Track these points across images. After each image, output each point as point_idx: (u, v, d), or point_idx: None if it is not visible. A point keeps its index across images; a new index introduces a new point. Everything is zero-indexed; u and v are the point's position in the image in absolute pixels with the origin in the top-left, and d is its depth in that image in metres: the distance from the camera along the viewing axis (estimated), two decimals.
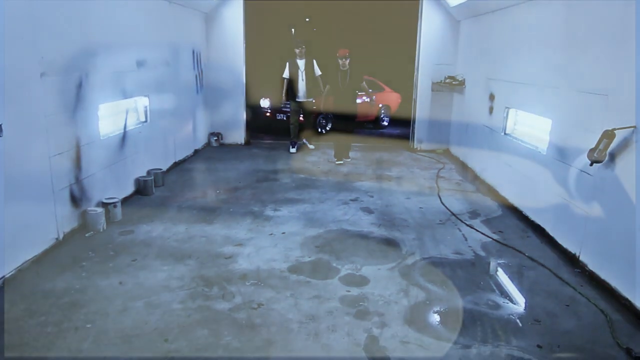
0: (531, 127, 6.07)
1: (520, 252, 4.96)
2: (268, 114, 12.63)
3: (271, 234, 5.27)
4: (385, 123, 14.10)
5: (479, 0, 7.60)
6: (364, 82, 9.28)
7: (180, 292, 3.97)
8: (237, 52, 9.84)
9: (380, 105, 14.17)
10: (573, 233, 4.79)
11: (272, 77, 10.85)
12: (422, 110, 9.85)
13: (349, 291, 4.06)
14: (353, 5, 12.84)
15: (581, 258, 4.59)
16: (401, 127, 12.56)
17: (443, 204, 6.46)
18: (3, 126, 3.93)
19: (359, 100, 10.61)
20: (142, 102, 6.88)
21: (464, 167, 8.46)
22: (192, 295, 3.93)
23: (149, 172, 6.93)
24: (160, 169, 7.09)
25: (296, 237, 5.21)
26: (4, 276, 4.02)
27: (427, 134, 9.94)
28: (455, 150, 9.43)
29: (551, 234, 5.24)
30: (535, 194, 5.64)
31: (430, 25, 9.38)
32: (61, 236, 4.86)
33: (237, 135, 10.63)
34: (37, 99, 4.41)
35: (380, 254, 4.87)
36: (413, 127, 10.09)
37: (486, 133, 7.44)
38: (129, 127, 6.47)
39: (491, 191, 7.01)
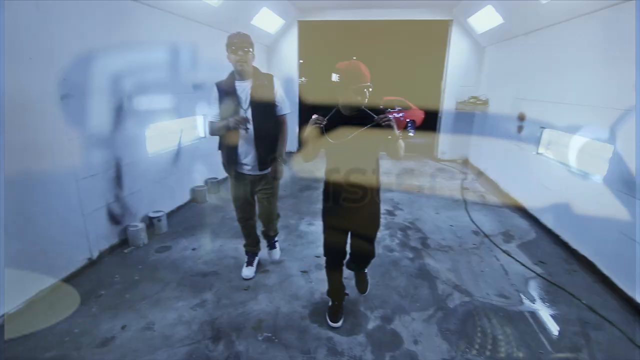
0: (574, 150, 3.91)
1: (575, 297, 2.93)
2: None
3: (302, 259, 3.50)
4: (412, 134, 11.93)
5: (511, 24, 5.38)
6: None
7: (180, 349, 2.30)
8: (292, 79, 8.01)
9: (408, 120, 12.12)
10: None
11: (323, 101, 8.98)
12: (446, 125, 7.66)
13: (378, 359, 2.26)
14: (388, 35, 10.64)
15: None
16: (425, 138, 10.38)
17: (473, 221, 4.44)
18: (11, 153, 2.40)
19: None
20: (200, 120, 5.25)
21: (485, 179, 6.30)
22: (192, 356, 2.24)
23: (205, 182, 5.34)
24: (216, 178, 5.47)
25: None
26: (5, 313, 2.52)
27: (449, 146, 7.77)
28: (475, 161, 7.22)
29: (605, 272, 3.15)
30: (582, 223, 3.53)
31: (457, 51, 7.15)
32: (95, 255, 3.33)
33: (290, 144, 8.70)
34: (57, 123, 2.84)
35: (414, 291, 2.99)
36: (438, 140, 7.92)
37: (513, 150, 5.27)
38: (187, 143, 4.86)
39: (519, 208, 4.88)
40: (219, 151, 2.86)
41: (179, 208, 4.67)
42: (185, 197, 4.87)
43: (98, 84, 3.22)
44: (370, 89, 2.02)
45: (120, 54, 3.47)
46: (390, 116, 2.03)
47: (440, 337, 2.45)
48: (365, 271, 2.80)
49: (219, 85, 2.68)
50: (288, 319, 2.60)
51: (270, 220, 3.12)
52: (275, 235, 3.36)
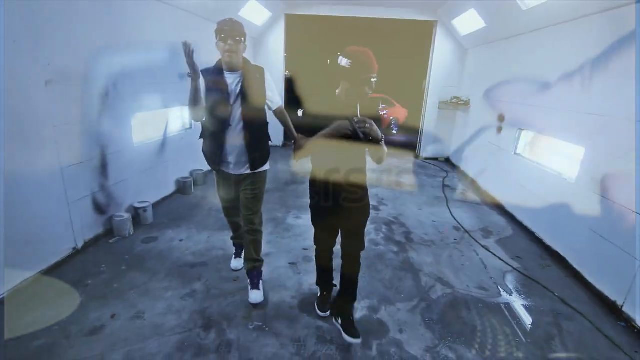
0: (550, 151, 4.12)
1: (548, 290, 3.11)
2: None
3: (290, 252, 3.55)
4: (394, 132, 12.12)
5: (493, 28, 5.56)
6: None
7: (171, 337, 2.32)
8: (278, 71, 7.97)
9: (391, 118, 12.29)
10: (612, 277, 2.91)
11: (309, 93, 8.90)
12: (428, 124, 7.84)
13: (364, 348, 2.35)
14: (373, 33, 10.64)
15: (625, 309, 2.75)
16: (407, 135, 10.60)
17: (454, 218, 4.60)
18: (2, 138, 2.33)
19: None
20: (186, 111, 5.19)
21: (465, 177, 6.52)
22: (183, 344, 2.27)
23: (191, 173, 5.29)
24: (202, 170, 5.43)
25: (314, 255, 3.47)
26: None
27: (431, 144, 7.97)
28: (455, 159, 7.44)
29: (576, 267, 3.37)
30: (556, 221, 3.73)
31: (441, 52, 7.32)
32: (80, 245, 3.27)
33: (275, 139, 8.68)
34: (42, 109, 2.77)
35: (399, 283, 3.10)
36: (420, 138, 8.10)
37: (492, 149, 5.48)
38: (172, 134, 4.80)
39: (497, 205, 5.09)
40: (200, 139, 2.65)
41: (164, 199, 4.62)
42: (170, 188, 4.82)
43: (83, 70, 3.15)
44: (375, 80, 1.92)
45: (106, 41, 3.40)
46: (369, 122, 1.84)
47: (424, 326, 2.57)
48: (352, 318, 2.43)
49: (204, 74, 2.39)
50: (278, 309, 2.66)
51: (252, 221, 2.71)
52: (260, 265, 2.83)
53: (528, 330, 2.60)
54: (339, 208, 2.23)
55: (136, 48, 3.88)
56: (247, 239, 2.78)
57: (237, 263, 3.17)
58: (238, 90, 2.42)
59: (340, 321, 2.44)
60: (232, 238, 3.25)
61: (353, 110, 1.97)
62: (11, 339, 2.21)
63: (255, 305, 2.67)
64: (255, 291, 2.74)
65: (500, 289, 3.07)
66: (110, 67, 3.47)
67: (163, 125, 4.60)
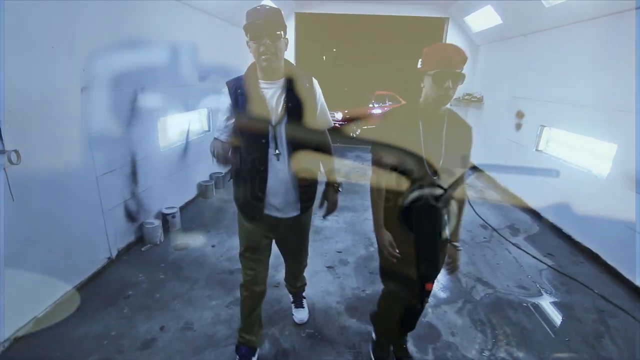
0: (575, 148, 4.12)
1: (587, 287, 3.11)
2: None
3: (325, 255, 3.51)
4: None
5: (509, 25, 5.54)
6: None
7: (226, 348, 2.28)
8: None
9: None
10: None
11: None
12: None
13: (420, 353, 2.33)
14: (383, 31, 10.52)
15: None
16: None
17: (478, 215, 4.58)
18: (34, 149, 2.26)
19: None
20: (204, 113, 5.12)
21: (481, 174, 6.49)
22: None
23: (211, 176, 5.23)
24: (221, 173, 5.37)
25: (349, 258, 3.43)
26: (35, 317, 2.41)
27: None
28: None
29: (611, 264, 3.36)
30: (585, 217, 3.72)
31: None
32: (114, 254, 3.22)
33: None
34: (77, 116, 2.71)
35: (439, 284, 3.08)
36: None
37: (511, 146, 5.47)
38: (192, 137, 4.73)
39: (519, 202, 5.07)
40: (230, 181, 2.01)
41: (187, 203, 4.56)
42: (192, 193, 4.75)
43: (114, 75, 3.07)
44: (461, 81, 1.56)
45: (132, 45, 3.32)
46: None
47: (474, 328, 2.55)
48: (406, 346, 2.25)
49: (232, 87, 1.78)
50: (325, 315, 2.62)
51: (300, 263, 2.43)
52: (304, 287, 2.63)
53: (576, 328, 2.60)
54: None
55: (159, 51, 3.80)
56: (292, 274, 2.50)
57: None
58: (281, 106, 1.75)
59: (392, 348, 2.23)
60: (239, 332, 2.17)
61: (436, 122, 1.68)
62: (62, 356, 2.17)
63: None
64: (300, 310, 2.59)
65: (540, 288, 3.07)
66: (138, 71, 3.40)
67: (185, 128, 4.53)
